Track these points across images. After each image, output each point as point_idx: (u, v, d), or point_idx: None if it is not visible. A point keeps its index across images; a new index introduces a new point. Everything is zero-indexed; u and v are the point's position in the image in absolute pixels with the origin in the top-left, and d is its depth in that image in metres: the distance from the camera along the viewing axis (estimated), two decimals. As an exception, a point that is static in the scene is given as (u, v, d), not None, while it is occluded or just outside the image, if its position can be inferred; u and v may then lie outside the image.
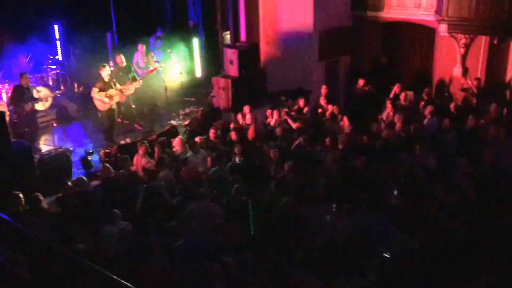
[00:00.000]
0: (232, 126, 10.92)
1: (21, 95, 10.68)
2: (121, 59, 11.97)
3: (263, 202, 7.18)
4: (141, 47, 13.29)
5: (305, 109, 11.56)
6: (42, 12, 13.48)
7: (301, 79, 12.92)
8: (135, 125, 12.31)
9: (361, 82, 12.35)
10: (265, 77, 13.53)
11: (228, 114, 12.45)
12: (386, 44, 14.09)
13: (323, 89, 12.04)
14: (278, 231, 6.38)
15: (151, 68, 12.45)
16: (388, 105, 10.98)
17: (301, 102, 11.59)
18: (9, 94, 11.30)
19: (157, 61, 12.87)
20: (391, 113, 10.71)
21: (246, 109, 11.16)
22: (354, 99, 12.70)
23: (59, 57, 14.21)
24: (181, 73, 13.85)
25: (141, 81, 11.89)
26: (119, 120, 11.93)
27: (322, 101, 11.77)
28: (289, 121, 10.70)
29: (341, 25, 13.21)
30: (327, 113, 11.47)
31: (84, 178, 8.39)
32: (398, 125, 9.98)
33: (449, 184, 7.36)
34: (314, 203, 7.07)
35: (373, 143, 9.34)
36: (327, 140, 9.25)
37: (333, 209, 6.73)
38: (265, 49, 13.56)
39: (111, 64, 12.67)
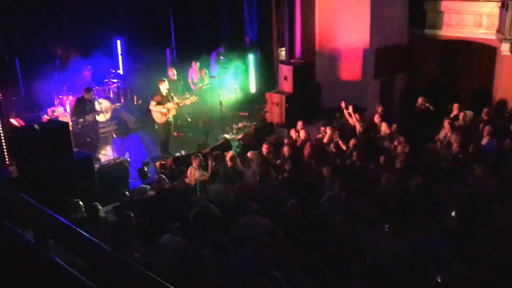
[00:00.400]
0: (285, 141, 10.96)
1: (83, 107, 11.14)
2: (173, 72, 12.39)
3: (315, 219, 7.16)
4: (194, 64, 13.76)
5: (358, 127, 11.45)
6: (106, 29, 14.07)
7: (356, 96, 12.83)
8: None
9: (420, 100, 12.14)
10: (319, 93, 13.56)
11: (281, 129, 12.53)
12: (445, 62, 13.84)
13: (378, 107, 11.92)
14: (329, 249, 6.33)
15: (207, 83, 12.75)
16: (446, 124, 10.72)
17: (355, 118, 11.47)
18: (72, 105, 11.83)
19: (214, 76, 13.17)
20: (449, 133, 10.47)
21: (300, 125, 11.17)
22: (411, 117, 12.49)
23: (121, 71, 14.72)
24: (236, 88, 14.09)
25: (196, 97, 12.18)
26: (174, 133, 12.22)
27: (377, 119, 11.65)
28: (340, 143, 10.55)
29: (398, 43, 13.10)
30: (382, 131, 11.33)
31: (147, 186, 8.63)
32: (455, 146, 9.75)
33: (509, 208, 7.11)
34: (366, 223, 6.98)
35: (429, 163, 9.13)
36: (381, 158, 9.13)
37: (386, 229, 6.63)
38: (320, 66, 13.60)
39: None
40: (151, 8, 14.43)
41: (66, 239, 3.68)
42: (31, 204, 4.09)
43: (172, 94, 11.70)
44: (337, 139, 10.59)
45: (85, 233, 3.62)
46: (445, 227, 6.77)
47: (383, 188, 8.11)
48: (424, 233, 6.45)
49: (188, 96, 12.17)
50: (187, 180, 9.27)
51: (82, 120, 11.03)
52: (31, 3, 12.59)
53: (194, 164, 9.53)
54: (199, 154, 9.91)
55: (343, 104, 11.40)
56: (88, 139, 11.20)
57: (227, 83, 13.81)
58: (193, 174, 9.39)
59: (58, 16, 13.10)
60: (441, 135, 10.71)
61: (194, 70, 13.84)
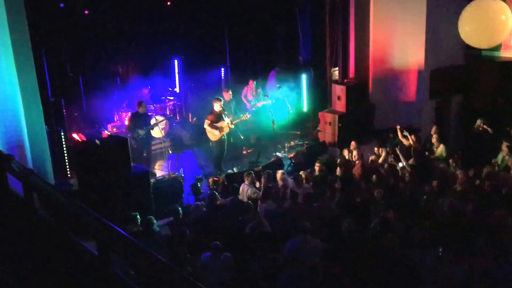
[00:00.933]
0: (337, 161, 10.95)
1: (137, 122, 11.54)
2: (229, 94, 12.63)
3: (367, 241, 7.11)
4: (252, 83, 14.06)
5: (413, 148, 11.31)
6: (165, 49, 14.63)
7: (411, 116, 12.71)
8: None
9: (478, 121, 11.87)
10: (373, 113, 13.49)
11: (334, 149, 12.53)
12: (503, 83, 13.47)
13: (434, 128, 11.73)
14: (382, 272, 6.22)
15: (261, 102, 12.94)
16: (504, 147, 10.42)
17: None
18: (127, 120, 12.26)
19: (267, 95, 13.37)
20: (507, 156, 10.20)
21: (353, 144, 11.14)
22: (469, 139, 12.22)
23: (177, 89, 15.17)
24: (288, 107, 14.21)
25: (249, 115, 12.37)
26: (244, 151, 12.65)
27: (432, 140, 11.46)
28: (394, 164, 10.38)
29: (453, 63, 12.89)
30: (437, 153, 11.14)
31: (201, 203, 8.84)
32: (514, 170, 9.49)
33: None
34: (421, 246, 6.85)
35: (487, 187, 8.88)
36: (436, 182, 8.97)
37: (439, 253, 6.50)
38: (374, 85, 13.56)
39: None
40: (207, 28, 14.89)
41: (128, 252, 3.84)
42: (95, 216, 4.30)
43: (226, 113, 11.96)
44: (391, 160, 10.49)
45: (145, 247, 3.79)
46: (506, 252, 6.57)
47: (438, 211, 7.96)
48: (484, 258, 6.27)
49: (241, 115, 12.38)
50: (239, 197, 9.40)
51: (136, 134, 11.41)
52: (95, 26, 13.23)
53: (246, 182, 9.66)
54: (252, 172, 10.03)
55: (398, 128, 11.32)
56: (144, 154, 11.58)
57: (280, 101, 13.98)
58: (246, 191, 9.52)
59: (120, 37, 13.80)
60: (499, 158, 10.43)
61: (250, 88, 14.11)
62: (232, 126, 11.88)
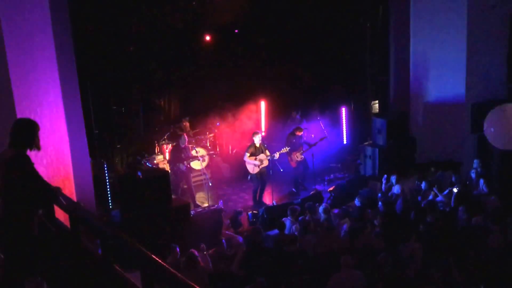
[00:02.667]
0: (378, 195, 10.82)
1: (178, 154, 11.74)
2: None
3: (408, 276, 6.95)
4: (295, 114, 14.29)
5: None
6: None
7: (452, 150, 12.50)
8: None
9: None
10: (413, 146, 13.33)
11: (374, 182, 12.39)
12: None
13: (475, 162, 11.49)
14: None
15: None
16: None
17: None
18: (168, 153, 12.46)
19: (305, 128, 13.44)
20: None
21: (393, 178, 11.02)
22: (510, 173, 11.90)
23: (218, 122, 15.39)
24: (326, 139, 14.19)
25: (288, 148, 12.37)
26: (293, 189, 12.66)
27: (474, 175, 11.22)
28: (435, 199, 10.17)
29: (495, 97, 12.67)
30: (479, 187, 10.87)
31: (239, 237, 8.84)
32: None
33: None
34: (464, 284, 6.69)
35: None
36: (478, 217, 8.75)
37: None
38: (414, 119, 13.43)
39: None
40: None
41: (172, 285, 3.89)
42: (139, 248, 4.37)
43: (265, 145, 12.04)
44: (432, 194, 10.31)
45: (188, 281, 3.83)
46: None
47: (483, 248, 7.74)
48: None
49: (282, 148, 12.43)
50: (282, 231, 9.35)
51: (177, 167, 11.60)
52: (139, 60, 13.66)
53: (291, 218, 9.58)
54: (296, 208, 9.95)
55: None
56: (185, 186, 11.72)
57: (319, 134, 14.00)
58: (290, 227, 9.45)
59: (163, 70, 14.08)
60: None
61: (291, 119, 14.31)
62: (269, 158, 11.94)
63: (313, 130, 13.95)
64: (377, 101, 14.00)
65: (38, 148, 4.88)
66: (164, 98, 15.05)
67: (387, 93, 13.69)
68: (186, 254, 7.74)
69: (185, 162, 11.74)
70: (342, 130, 14.90)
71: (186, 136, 12.04)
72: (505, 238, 7.87)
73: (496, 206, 9.61)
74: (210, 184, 12.46)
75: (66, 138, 9.04)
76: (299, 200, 11.46)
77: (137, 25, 13.31)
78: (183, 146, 11.82)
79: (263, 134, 12.93)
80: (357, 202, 10.40)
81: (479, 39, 12.40)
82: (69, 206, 5.33)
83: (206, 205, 11.43)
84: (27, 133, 4.79)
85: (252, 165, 11.85)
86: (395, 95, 13.65)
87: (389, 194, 10.81)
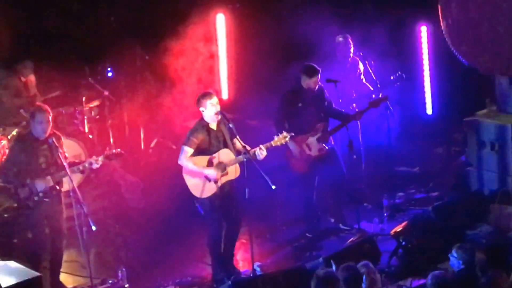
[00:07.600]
0: None
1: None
2: None
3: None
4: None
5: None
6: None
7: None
8: None
9: None
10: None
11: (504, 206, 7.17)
12: None
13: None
14: None
15: None
16: None
17: None
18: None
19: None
20: None
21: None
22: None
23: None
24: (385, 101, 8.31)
25: (289, 133, 7.18)
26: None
27: None
28: None
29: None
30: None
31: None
32: None
33: None
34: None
35: None
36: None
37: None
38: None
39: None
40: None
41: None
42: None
43: (233, 128, 6.00)
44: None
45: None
46: None
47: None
48: None
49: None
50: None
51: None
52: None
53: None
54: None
55: None
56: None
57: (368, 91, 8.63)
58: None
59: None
60: None
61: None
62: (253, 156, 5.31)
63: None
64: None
65: None
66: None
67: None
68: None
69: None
70: (423, 83, 7.22)
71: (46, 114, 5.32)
72: None
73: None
74: (94, 229, 5.39)
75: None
76: (321, 259, 5.25)
77: None
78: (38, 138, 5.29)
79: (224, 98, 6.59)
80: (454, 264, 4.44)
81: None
82: None
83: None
84: None
85: (200, 179, 5.17)
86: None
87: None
